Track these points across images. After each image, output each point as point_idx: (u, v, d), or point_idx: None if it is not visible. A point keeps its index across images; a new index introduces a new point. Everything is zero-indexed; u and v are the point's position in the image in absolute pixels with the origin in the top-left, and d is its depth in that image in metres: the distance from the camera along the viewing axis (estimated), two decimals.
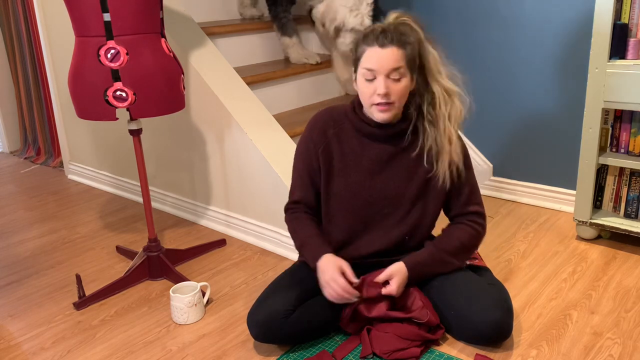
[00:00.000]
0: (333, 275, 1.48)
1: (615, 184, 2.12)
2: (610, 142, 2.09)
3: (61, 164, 3.45)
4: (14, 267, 2.19)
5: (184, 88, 1.90)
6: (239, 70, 2.57)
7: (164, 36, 1.81)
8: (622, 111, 2.03)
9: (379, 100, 1.47)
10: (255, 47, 2.86)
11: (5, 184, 3.22)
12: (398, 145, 1.58)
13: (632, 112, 2.01)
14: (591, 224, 2.10)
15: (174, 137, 2.48)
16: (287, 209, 1.69)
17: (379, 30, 1.46)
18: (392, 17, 1.52)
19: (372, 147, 1.59)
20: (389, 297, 1.54)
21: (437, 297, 1.56)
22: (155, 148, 2.60)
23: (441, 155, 1.54)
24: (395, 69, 1.46)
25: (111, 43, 1.67)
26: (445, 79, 1.52)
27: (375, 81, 1.47)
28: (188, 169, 2.48)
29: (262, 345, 1.59)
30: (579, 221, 2.13)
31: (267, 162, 2.08)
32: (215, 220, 2.44)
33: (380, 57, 1.44)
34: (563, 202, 2.47)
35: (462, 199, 1.62)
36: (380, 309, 1.54)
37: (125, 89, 1.70)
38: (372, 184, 1.59)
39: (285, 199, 1.80)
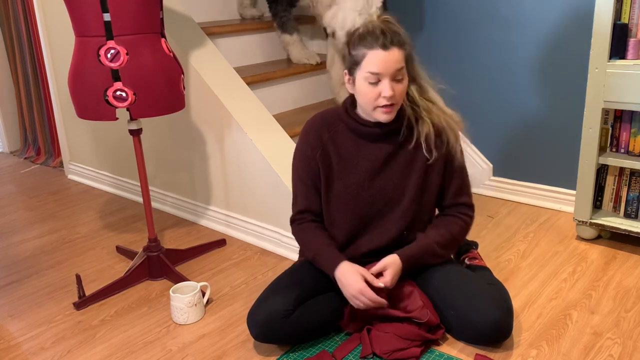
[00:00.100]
0: (359, 287, 1.48)
1: (615, 184, 2.12)
2: (610, 142, 2.09)
3: (61, 164, 3.45)
4: (14, 267, 2.19)
5: (184, 88, 1.90)
6: (239, 70, 2.57)
7: (164, 36, 1.81)
8: (622, 111, 2.03)
9: (384, 102, 1.47)
10: (255, 47, 2.86)
11: (5, 184, 3.21)
12: (394, 141, 1.58)
13: (632, 112, 2.01)
14: (591, 224, 2.10)
15: (174, 137, 2.48)
16: (294, 220, 1.67)
17: (377, 31, 1.45)
18: (374, 17, 1.53)
19: (368, 148, 1.59)
20: (384, 290, 1.54)
21: (437, 297, 1.56)
22: (155, 148, 2.60)
23: (430, 114, 1.56)
24: (399, 70, 1.46)
25: (111, 43, 1.67)
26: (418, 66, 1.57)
27: (380, 84, 1.46)
28: (188, 169, 2.48)
29: (262, 345, 1.59)
30: (579, 221, 2.13)
31: (267, 162, 2.08)
32: (215, 220, 2.44)
33: (385, 61, 1.44)
34: (563, 202, 2.47)
35: (454, 189, 1.63)
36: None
37: (125, 89, 1.70)
38: (371, 185, 1.59)
39: (285, 199, 1.81)
